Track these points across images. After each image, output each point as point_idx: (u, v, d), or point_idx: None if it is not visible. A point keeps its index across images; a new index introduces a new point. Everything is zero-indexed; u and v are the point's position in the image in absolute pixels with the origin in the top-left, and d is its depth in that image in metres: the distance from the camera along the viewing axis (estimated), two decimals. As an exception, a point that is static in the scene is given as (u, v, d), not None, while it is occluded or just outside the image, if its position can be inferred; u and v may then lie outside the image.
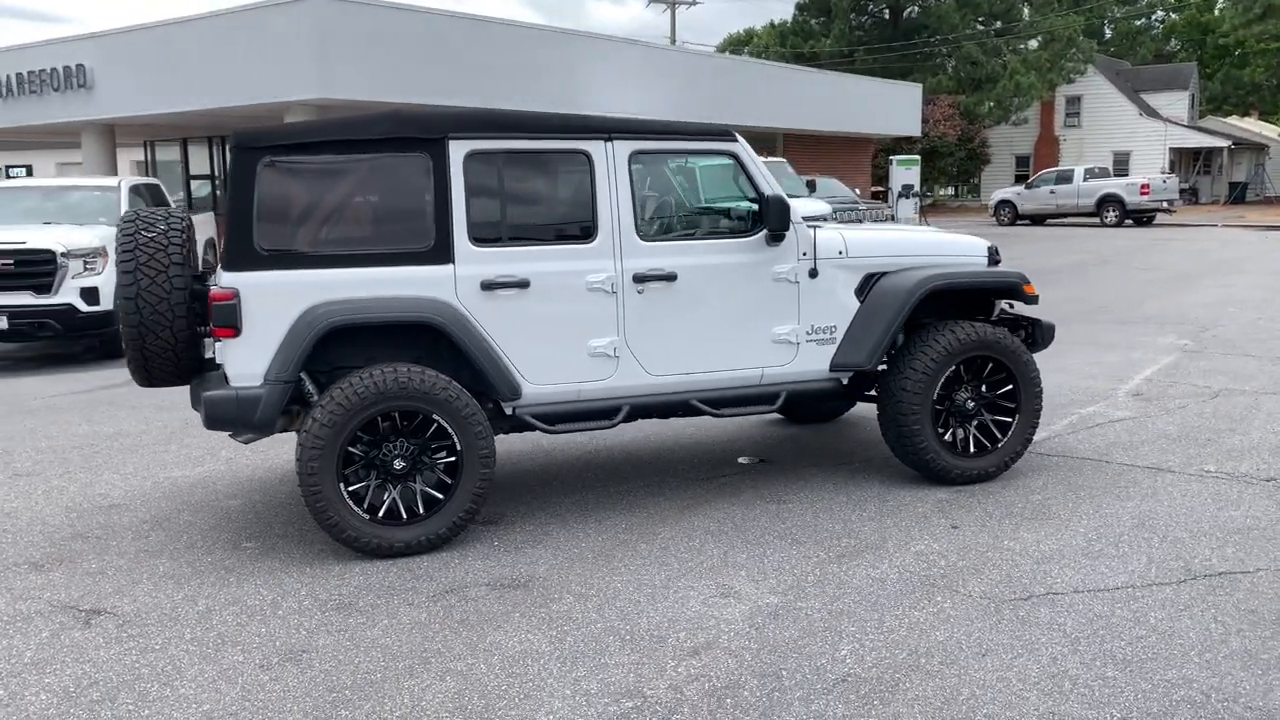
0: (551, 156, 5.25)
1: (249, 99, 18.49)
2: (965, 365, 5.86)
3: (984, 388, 5.94)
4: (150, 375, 5.21)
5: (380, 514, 4.92)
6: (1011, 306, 6.57)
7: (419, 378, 4.87)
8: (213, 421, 4.80)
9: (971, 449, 5.90)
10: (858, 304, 5.76)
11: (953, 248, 6.06)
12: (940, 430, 5.82)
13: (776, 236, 5.48)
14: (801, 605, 4.31)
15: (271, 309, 4.79)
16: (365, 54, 18.21)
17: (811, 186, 18.42)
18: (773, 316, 5.59)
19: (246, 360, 4.80)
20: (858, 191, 22.14)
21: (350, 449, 4.86)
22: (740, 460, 6.53)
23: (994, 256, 6.12)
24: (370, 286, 4.92)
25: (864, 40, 49.42)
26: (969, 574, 4.60)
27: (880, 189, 34.21)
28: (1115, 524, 5.22)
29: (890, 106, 33.29)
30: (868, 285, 5.79)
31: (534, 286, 5.15)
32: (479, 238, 5.08)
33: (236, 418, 4.81)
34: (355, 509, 4.87)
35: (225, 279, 4.80)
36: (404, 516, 4.95)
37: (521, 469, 6.43)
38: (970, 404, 5.87)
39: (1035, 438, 6.55)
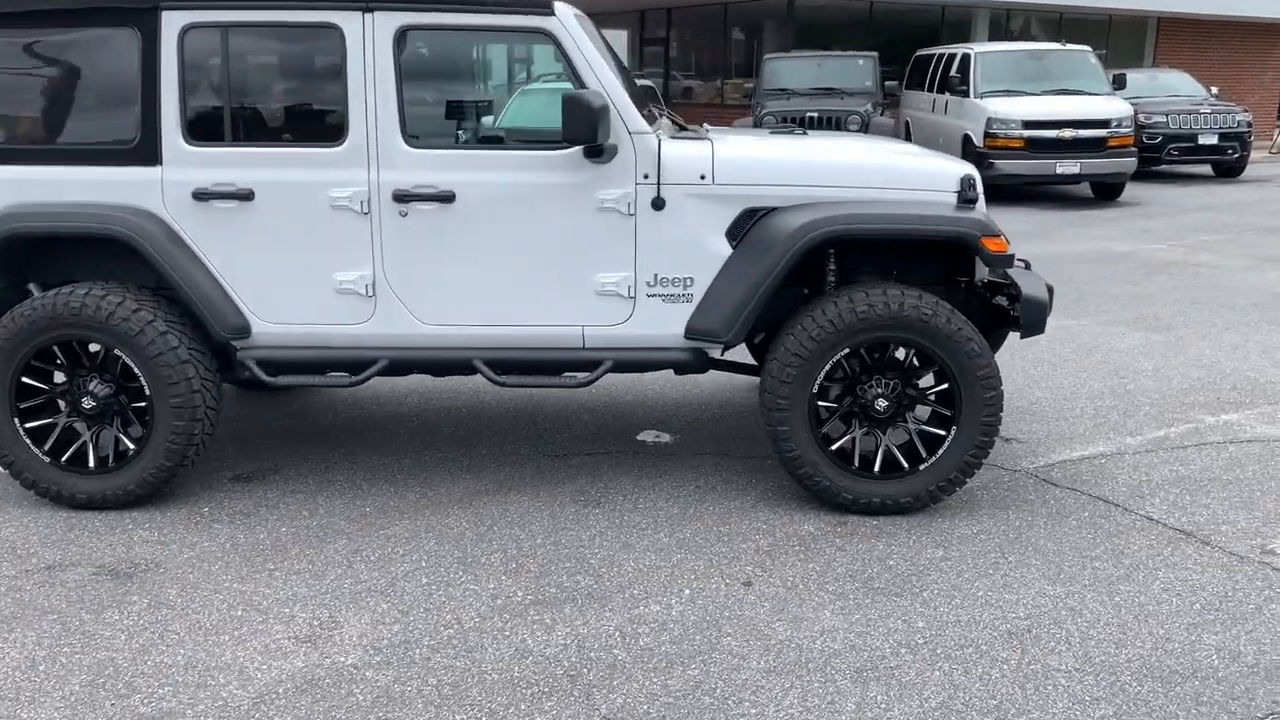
0: (292, 32, 4.08)
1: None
2: (871, 350, 4.08)
3: (907, 384, 4.13)
4: None
5: (65, 458, 4.19)
6: (1028, 266, 4.56)
7: (95, 303, 4.03)
8: None
9: (877, 467, 4.14)
10: (729, 249, 4.14)
11: (899, 176, 4.17)
12: (824, 437, 4.12)
13: (593, 151, 3.98)
14: (376, 677, 3.08)
15: (-57, 210, 4.12)
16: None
17: (1119, 82, 15.16)
18: (597, 259, 4.13)
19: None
20: (1213, 91, 18.07)
21: (26, 380, 4.15)
22: (641, 436, 5.11)
23: (967, 193, 4.15)
24: (69, 189, 4.11)
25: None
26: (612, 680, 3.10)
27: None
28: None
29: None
30: (747, 224, 4.14)
31: (260, 199, 4.09)
32: (196, 135, 4.08)
33: None
34: (34, 449, 4.18)
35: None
36: (96, 464, 4.20)
37: (366, 414, 5.45)
38: (883, 404, 4.09)
39: (1096, 450, 4.60)
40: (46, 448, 4.19)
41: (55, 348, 4.13)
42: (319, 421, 5.30)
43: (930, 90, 15.95)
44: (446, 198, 4.07)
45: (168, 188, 4.09)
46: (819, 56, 14.25)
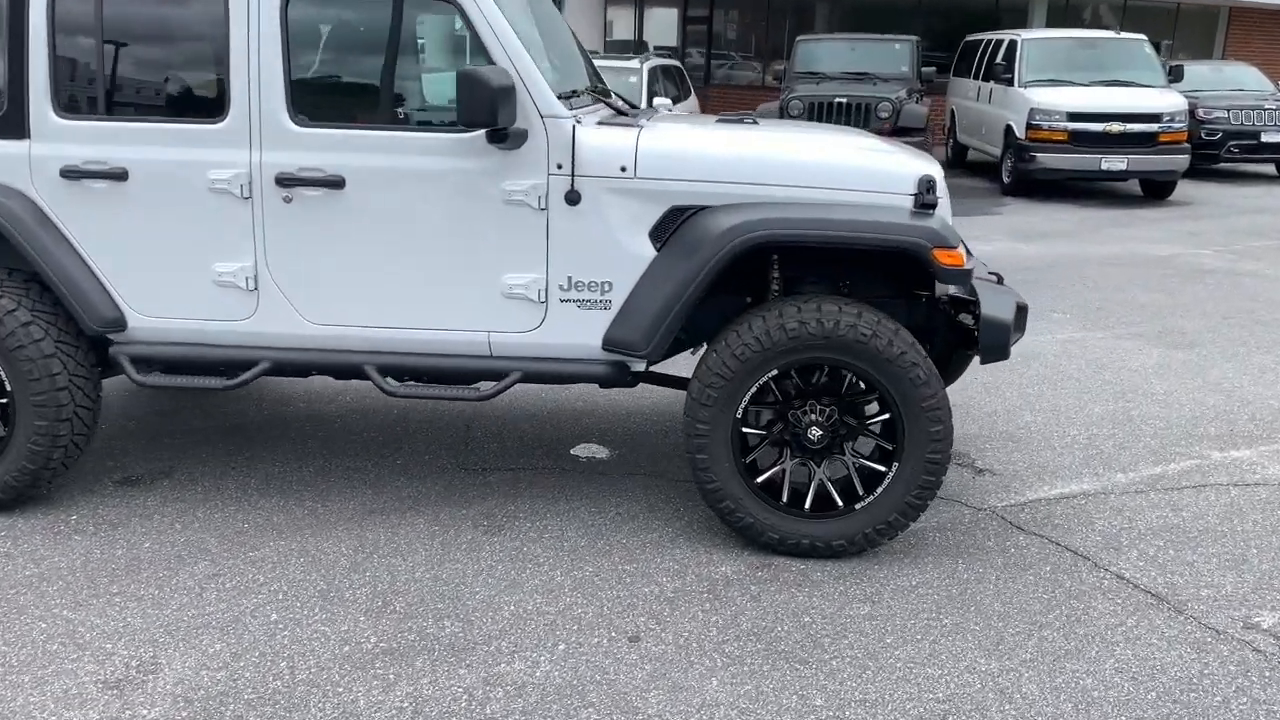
0: (173, -7, 3.67)
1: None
2: (802, 372, 3.58)
3: (846, 411, 3.63)
4: None
5: (-78, 455, 3.86)
6: (1000, 280, 4.03)
7: (-51, 289, 3.67)
8: None
9: (808, 504, 3.65)
10: (653, 251, 3.66)
11: (847, 175, 3.64)
12: (751, 466, 3.64)
13: (496, 135, 3.52)
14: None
15: None
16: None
17: (1176, 74, 14.29)
18: (504, 258, 3.68)
19: None
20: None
21: (-119, 369, 3.81)
22: (576, 450, 4.66)
23: (925, 197, 3.62)
24: (-62, 162, 3.75)
25: None
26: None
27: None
28: None
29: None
30: (673, 224, 3.65)
31: (134, 179, 3.70)
32: (67, 106, 3.69)
33: None
34: (-111, 444, 3.85)
35: None
36: (-44, 462, 3.85)
37: (290, 412, 5.06)
38: (817, 434, 3.60)
39: (1079, 488, 4.10)
40: (-97, 443, 3.86)
41: (-90, 336, 3.78)
42: (239, 419, 4.93)
43: (976, 78, 15.22)
44: (335, 183, 3.64)
45: (36, 164, 3.72)
46: (853, 39, 13.57)
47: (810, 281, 3.89)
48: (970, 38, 16.27)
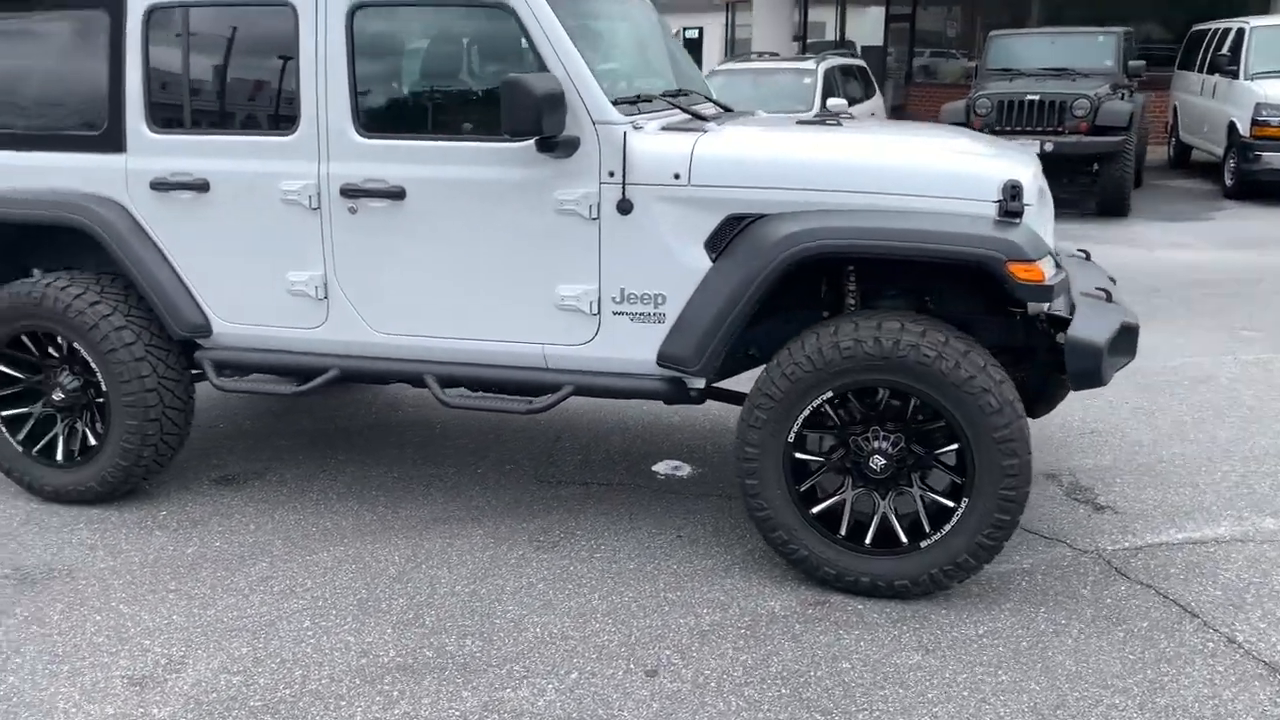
0: (249, 11, 3.77)
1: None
2: (864, 395, 3.30)
3: (911, 440, 3.32)
4: None
5: (36, 449, 4.15)
6: (1109, 297, 3.59)
7: (55, 294, 3.93)
8: None
9: (869, 538, 3.36)
10: (709, 263, 3.47)
11: (922, 180, 3.31)
12: (809, 493, 3.39)
13: (546, 144, 3.42)
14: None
15: (-54, 192, 4.14)
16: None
17: None
18: (557, 269, 3.58)
19: (-58, 245, 4.24)
20: None
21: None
22: (658, 467, 4.50)
23: (1008, 204, 3.25)
24: (51, 175, 4.03)
25: None
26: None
27: None
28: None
29: None
30: (730, 233, 3.45)
31: (215, 191, 3.84)
32: (159, 122, 3.88)
33: None
34: (8, 436, 4.16)
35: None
36: (64, 458, 4.13)
37: (397, 419, 5.12)
38: (879, 463, 3.31)
39: (1213, 532, 3.69)
40: (20, 436, 4.16)
41: (24, 338, 4.07)
42: (346, 422, 5.06)
43: (1200, 71, 13.95)
44: (396, 194, 3.65)
45: (132, 177, 3.92)
46: (1052, 33, 12.69)
47: (890, 296, 3.60)
48: (1198, 27, 14.92)
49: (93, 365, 3.96)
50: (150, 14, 3.82)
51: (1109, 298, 3.57)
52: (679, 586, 3.48)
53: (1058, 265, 3.35)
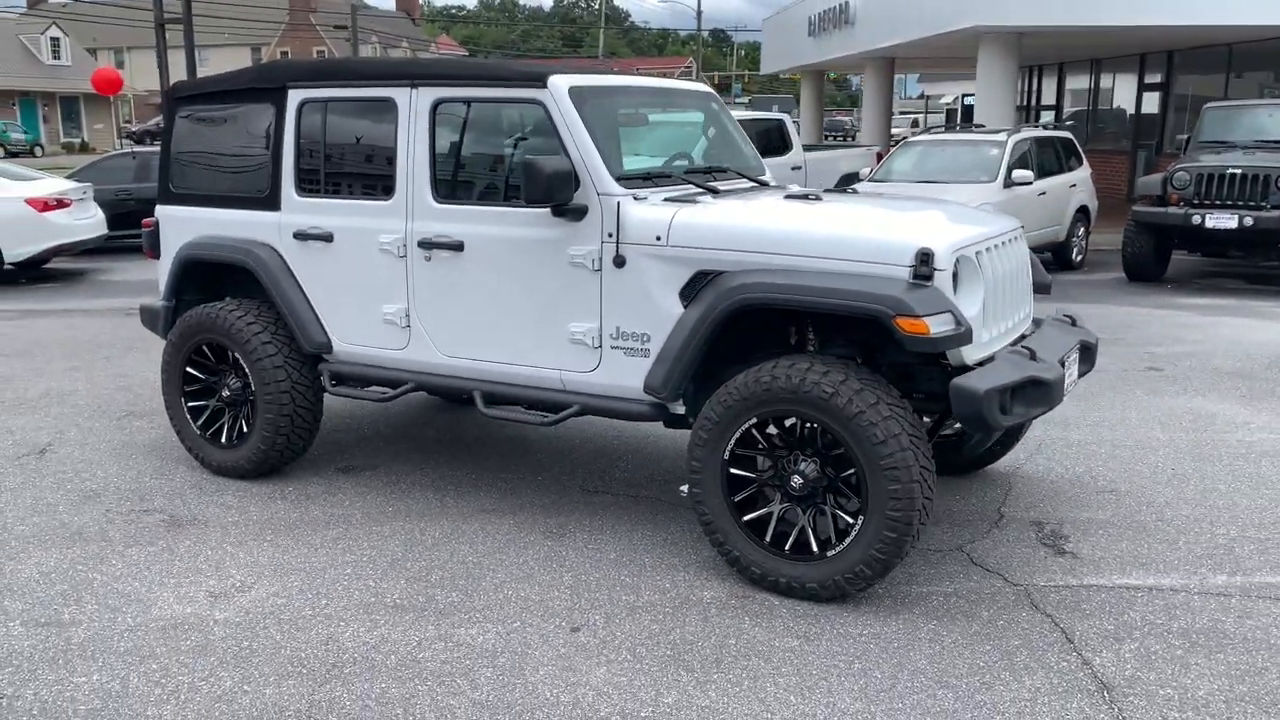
0: (366, 105, 4.92)
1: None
2: (784, 423, 3.92)
3: (823, 464, 3.90)
4: None
5: (209, 433, 5.44)
6: (1032, 356, 4.01)
7: (221, 315, 5.21)
8: (144, 323, 5.82)
9: (787, 546, 3.96)
10: (681, 309, 4.23)
11: (847, 247, 3.90)
12: (739, 504, 4.04)
13: (559, 210, 4.32)
14: None
15: (169, 239, 5.57)
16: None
17: None
18: (569, 310, 4.45)
19: (161, 279, 5.67)
20: None
21: (189, 370, 5.46)
22: (684, 488, 5.19)
23: (919, 270, 3.79)
24: (231, 226, 5.35)
25: None
26: None
27: None
28: None
29: None
30: (698, 286, 4.20)
31: (337, 241, 5.00)
32: (304, 186, 5.10)
33: (153, 325, 5.74)
34: (193, 424, 5.48)
35: (157, 210, 5.69)
36: (226, 441, 5.40)
37: (494, 433, 6.08)
38: (798, 481, 3.92)
39: (1157, 581, 4.06)
40: (199, 423, 5.47)
41: (205, 348, 5.38)
42: (456, 431, 6.11)
43: None
44: (458, 246, 4.66)
45: (282, 228, 5.15)
46: (1269, 105, 12.19)
47: (840, 345, 4.21)
48: None
49: (246, 370, 5.20)
50: (301, 106, 5.06)
51: (1033, 355, 4.01)
52: (640, 574, 4.21)
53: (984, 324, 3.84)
